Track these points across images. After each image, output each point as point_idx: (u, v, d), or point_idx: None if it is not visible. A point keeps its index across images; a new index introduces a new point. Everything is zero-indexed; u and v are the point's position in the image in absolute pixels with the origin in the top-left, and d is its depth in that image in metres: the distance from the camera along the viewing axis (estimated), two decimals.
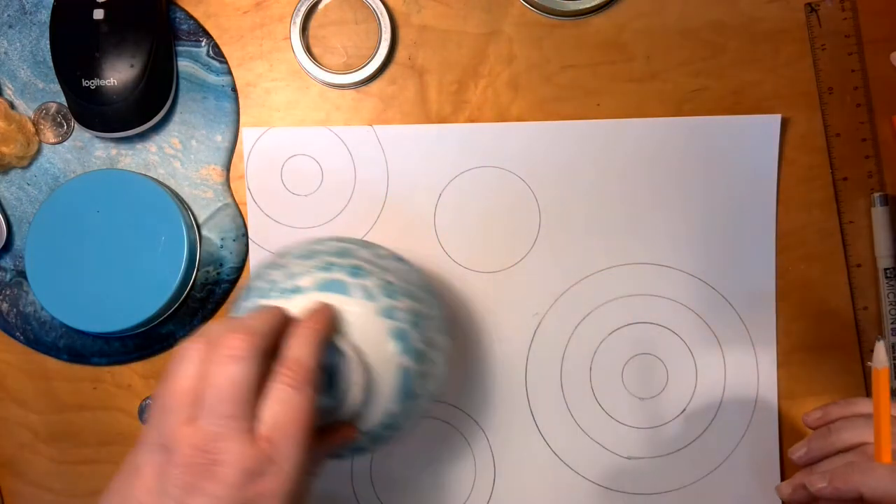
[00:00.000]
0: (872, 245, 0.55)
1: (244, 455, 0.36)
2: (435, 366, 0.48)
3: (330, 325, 0.43)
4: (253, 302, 0.45)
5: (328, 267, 0.46)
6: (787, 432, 0.55)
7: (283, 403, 0.38)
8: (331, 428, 0.43)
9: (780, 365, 0.56)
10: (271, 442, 0.37)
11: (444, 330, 0.49)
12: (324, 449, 0.43)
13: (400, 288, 0.47)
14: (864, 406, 0.46)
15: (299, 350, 0.40)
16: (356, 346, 0.43)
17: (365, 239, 0.50)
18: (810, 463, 0.47)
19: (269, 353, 0.39)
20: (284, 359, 0.39)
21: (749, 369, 0.56)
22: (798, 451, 0.48)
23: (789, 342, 0.56)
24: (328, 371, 0.43)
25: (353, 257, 0.47)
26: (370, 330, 0.44)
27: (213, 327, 0.40)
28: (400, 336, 0.45)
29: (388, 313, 0.45)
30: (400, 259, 0.50)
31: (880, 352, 0.44)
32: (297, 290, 0.44)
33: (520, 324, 0.56)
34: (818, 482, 0.44)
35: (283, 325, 0.41)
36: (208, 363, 0.38)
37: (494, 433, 0.56)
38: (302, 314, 0.42)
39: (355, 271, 0.46)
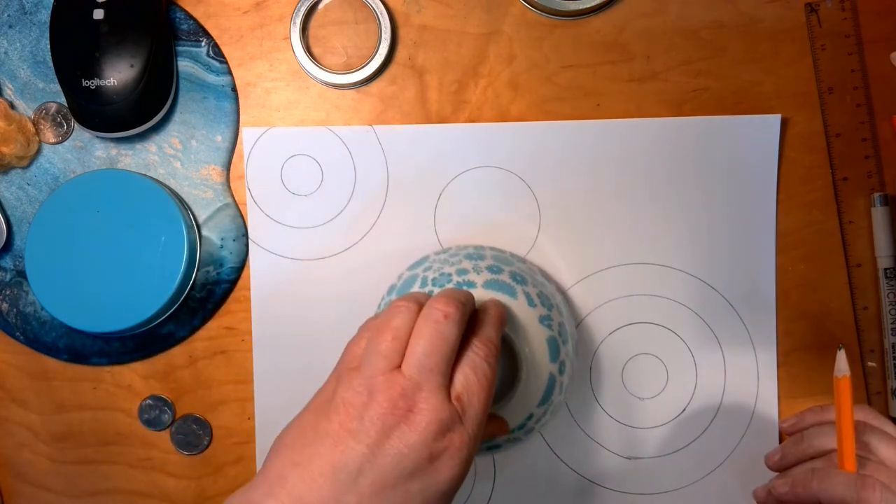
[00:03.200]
0: (872, 245, 0.55)
1: (440, 408, 0.39)
2: (567, 379, 0.51)
3: (505, 319, 0.47)
4: (428, 287, 0.50)
5: (496, 269, 0.50)
6: None
7: (475, 371, 0.41)
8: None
9: (780, 365, 0.56)
10: (461, 402, 0.40)
11: (576, 350, 0.53)
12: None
13: (553, 301, 0.51)
14: (836, 413, 0.47)
15: (490, 330, 0.43)
16: (522, 346, 0.48)
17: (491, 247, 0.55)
18: (784, 468, 0.48)
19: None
20: (479, 334, 0.43)
21: (749, 369, 0.56)
22: (774, 457, 0.49)
23: (789, 342, 0.56)
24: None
25: (513, 265, 0.52)
26: (532, 334, 0.49)
27: (417, 294, 0.44)
28: (552, 344, 0.49)
29: (545, 321, 0.49)
30: (546, 275, 0.54)
31: (841, 360, 0.45)
32: (469, 284, 0.49)
33: None
34: (781, 487, 0.46)
35: (473, 306, 0.45)
36: (418, 320, 0.41)
37: None
38: (481, 304, 0.46)
39: (518, 278, 0.50)
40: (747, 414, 0.56)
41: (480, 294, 0.49)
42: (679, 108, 0.56)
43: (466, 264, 0.51)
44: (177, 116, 0.56)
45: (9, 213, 0.56)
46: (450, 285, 0.49)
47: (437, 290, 0.49)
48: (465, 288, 0.49)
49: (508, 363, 0.48)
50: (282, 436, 0.41)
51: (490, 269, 0.50)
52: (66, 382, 0.57)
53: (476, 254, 0.52)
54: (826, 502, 0.44)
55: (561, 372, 0.50)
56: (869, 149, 0.55)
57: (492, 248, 0.54)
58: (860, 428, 0.46)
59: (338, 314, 0.55)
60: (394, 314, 0.42)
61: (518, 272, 0.51)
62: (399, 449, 0.38)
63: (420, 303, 0.43)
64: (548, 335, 0.49)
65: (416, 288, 0.51)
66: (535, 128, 0.55)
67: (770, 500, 0.47)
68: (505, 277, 0.50)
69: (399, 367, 0.40)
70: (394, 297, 0.52)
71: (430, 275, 0.51)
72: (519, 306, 0.49)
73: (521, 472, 0.56)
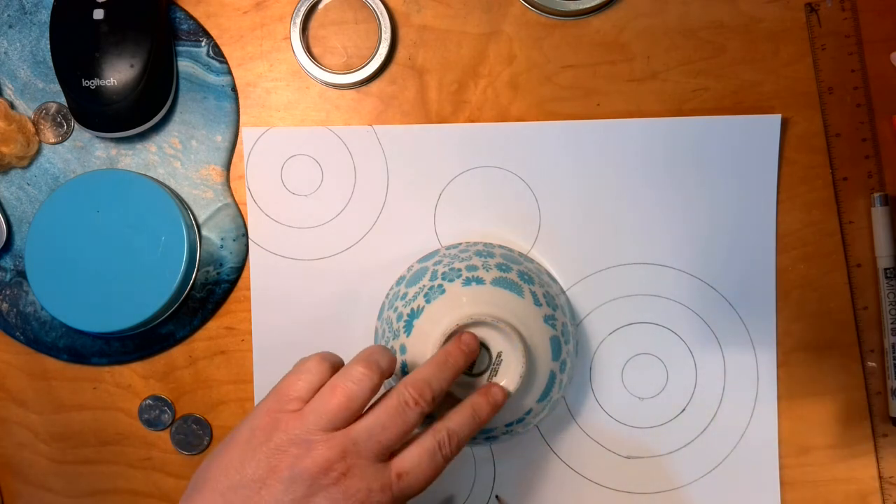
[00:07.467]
0: (872, 245, 0.55)
1: (373, 478, 0.40)
2: (566, 378, 0.52)
3: (486, 420, 0.46)
4: (437, 280, 0.51)
5: (505, 267, 0.51)
6: (787, 432, 0.55)
7: (432, 459, 0.42)
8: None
9: (780, 365, 0.56)
10: (401, 480, 0.41)
11: (576, 350, 0.54)
12: None
13: (557, 302, 0.52)
14: None
15: (466, 430, 0.44)
16: (527, 343, 0.49)
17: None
18: None
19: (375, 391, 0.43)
20: (454, 429, 0.44)
21: (749, 369, 0.56)
22: None
23: (789, 342, 0.56)
24: (497, 355, 0.49)
25: (521, 264, 0.53)
26: (536, 332, 0.50)
27: (374, 360, 0.43)
28: (555, 343, 0.51)
29: (549, 321, 0.51)
30: (552, 277, 0.55)
31: None
32: (478, 281, 0.50)
33: None
34: None
35: (443, 394, 0.44)
36: (385, 400, 0.42)
37: None
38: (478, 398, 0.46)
39: (526, 277, 0.51)
40: (747, 414, 0.56)
41: (489, 290, 0.50)
42: (679, 108, 0.56)
43: (476, 261, 0.52)
44: (177, 116, 0.56)
45: (9, 213, 0.56)
46: (459, 280, 0.50)
47: (446, 284, 0.50)
48: (473, 284, 0.50)
49: (514, 357, 0.49)
50: (206, 469, 0.42)
51: (499, 266, 0.51)
52: (66, 382, 0.57)
53: (486, 251, 0.53)
54: None
55: (561, 370, 0.51)
56: (869, 149, 0.55)
57: (501, 247, 0.54)
58: None
59: (338, 314, 0.55)
60: (354, 379, 0.42)
61: (526, 271, 0.52)
62: None
63: (381, 373, 0.43)
64: (551, 334, 0.50)
65: (425, 279, 0.51)
66: (535, 128, 0.55)
67: None
68: (513, 276, 0.51)
69: (341, 429, 0.41)
70: (402, 287, 0.52)
71: (441, 269, 0.52)
72: (525, 305, 0.50)
73: (521, 472, 0.56)
